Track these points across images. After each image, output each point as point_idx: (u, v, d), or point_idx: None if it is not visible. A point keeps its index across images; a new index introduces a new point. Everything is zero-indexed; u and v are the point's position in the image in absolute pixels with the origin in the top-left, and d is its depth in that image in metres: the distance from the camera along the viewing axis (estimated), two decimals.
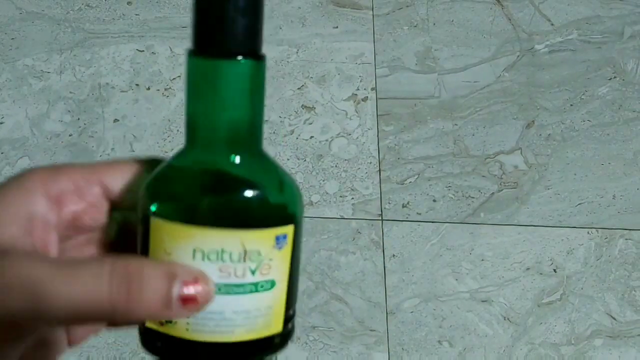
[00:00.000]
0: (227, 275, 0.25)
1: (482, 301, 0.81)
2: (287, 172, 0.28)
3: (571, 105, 0.97)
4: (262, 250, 0.26)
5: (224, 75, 0.25)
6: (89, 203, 0.27)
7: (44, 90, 0.90)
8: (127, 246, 0.27)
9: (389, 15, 1.02)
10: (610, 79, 0.99)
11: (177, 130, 0.89)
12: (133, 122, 0.89)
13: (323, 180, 0.87)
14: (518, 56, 1.00)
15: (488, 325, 0.80)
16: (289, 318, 0.28)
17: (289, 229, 0.27)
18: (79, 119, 0.88)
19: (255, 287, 0.26)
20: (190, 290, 0.24)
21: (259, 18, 0.26)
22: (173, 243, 0.25)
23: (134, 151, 0.87)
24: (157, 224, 0.25)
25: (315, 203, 0.85)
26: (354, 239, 0.83)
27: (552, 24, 1.04)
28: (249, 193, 0.26)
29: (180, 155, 0.27)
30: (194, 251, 0.25)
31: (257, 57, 0.26)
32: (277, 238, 0.26)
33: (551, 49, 1.01)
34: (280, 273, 0.27)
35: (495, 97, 0.96)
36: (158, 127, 0.89)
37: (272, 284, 0.27)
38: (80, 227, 0.27)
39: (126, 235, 0.28)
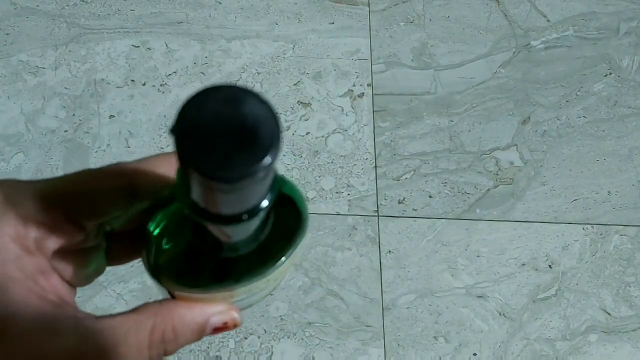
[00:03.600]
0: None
1: (478, 297, 0.82)
2: (294, 191, 0.26)
3: (567, 101, 0.97)
4: (280, 275, 0.27)
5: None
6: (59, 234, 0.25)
7: (39, 86, 0.89)
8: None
9: (385, 11, 1.02)
10: (605, 75, 1.00)
11: None
12: (129, 118, 0.88)
13: (319, 177, 0.87)
14: (514, 52, 1.00)
15: (484, 320, 0.80)
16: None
17: (282, 261, 0.26)
18: (74, 114, 0.88)
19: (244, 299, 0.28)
20: (220, 327, 0.27)
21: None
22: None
23: (129, 147, 0.86)
24: (183, 297, 0.26)
25: (312, 199, 0.85)
26: (350, 235, 0.83)
27: (548, 20, 1.04)
28: (256, 264, 0.26)
29: (176, 213, 0.26)
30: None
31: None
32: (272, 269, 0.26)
33: (547, 45, 1.02)
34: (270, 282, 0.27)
35: (491, 93, 0.96)
36: (154, 122, 0.89)
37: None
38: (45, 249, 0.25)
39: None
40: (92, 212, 0.24)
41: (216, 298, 0.26)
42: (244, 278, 0.25)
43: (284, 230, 0.24)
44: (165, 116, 0.89)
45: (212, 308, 0.26)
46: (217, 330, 0.26)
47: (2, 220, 0.22)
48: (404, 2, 1.03)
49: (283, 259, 0.25)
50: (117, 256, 0.28)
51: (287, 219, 0.25)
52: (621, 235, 0.88)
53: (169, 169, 0.25)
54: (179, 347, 0.25)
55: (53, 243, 0.23)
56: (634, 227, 0.89)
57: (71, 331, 0.22)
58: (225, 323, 0.26)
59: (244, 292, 0.26)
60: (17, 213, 0.22)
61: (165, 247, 0.24)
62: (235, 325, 0.27)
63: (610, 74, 1.00)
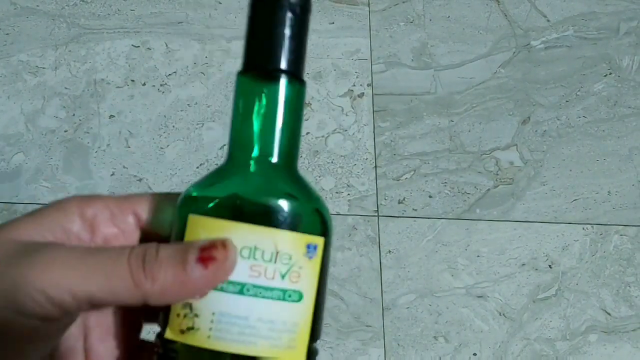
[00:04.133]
0: (257, 275, 0.26)
1: (478, 297, 0.82)
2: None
3: (567, 101, 0.97)
4: (294, 254, 0.26)
5: (267, 94, 0.28)
6: (121, 229, 0.29)
7: (39, 86, 0.89)
8: None
9: (385, 11, 1.02)
10: (605, 75, 1.00)
11: (173, 126, 0.89)
12: (129, 118, 0.88)
13: (319, 177, 0.87)
14: (514, 52, 1.00)
15: (484, 320, 0.80)
16: (312, 352, 0.28)
17: (319, 240, 0.28)
18: (74, 114, 0.88)
19: (283, 295, 0.26)
20: (208, 253, 0.25)
21: (303, 46, 0.29)
22: (207, 237, 0.26)
23: (129, 147, 0.86)
24: (193, 219, 0.26)
25: None
26: (350, 235, 0.83)
27: (548, 20, 1.04)
28: (285, 196, 0.27)
29: (220, 168, 0.29)
30: None
31: (299, 80, 0.29)
32: (308, 246, 0.27)
33: (547, 45, 1.02)
34: (308, 286, 0.27)
35: (491, 93, 0.96)
36: (154, 123, 0.89)
37: (300, 296, 0.27)
38: None
39: None
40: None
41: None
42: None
43: (317, 215, 0.28)
44: (165, 116, 0.89)
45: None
46: (203, 254, 0.24)
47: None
48: (404, 2, 1.03)
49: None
50: None
51: (319, 211, 0.28)
52: (621, 235, 0.88)
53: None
54: (161, 273, 0.24)
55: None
56: (634, 227, 0.89)
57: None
58: (213, 243, 0.25)
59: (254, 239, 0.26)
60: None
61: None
62: (227, 255, 0.25)
63: (610, 74, 1.00)
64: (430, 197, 0.88)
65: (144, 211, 0.29)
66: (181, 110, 0.90)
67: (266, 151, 0.28)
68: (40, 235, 0.26)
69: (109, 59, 0.93)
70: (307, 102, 0.93)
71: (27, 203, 0.81)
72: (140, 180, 0.84)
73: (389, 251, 0.83)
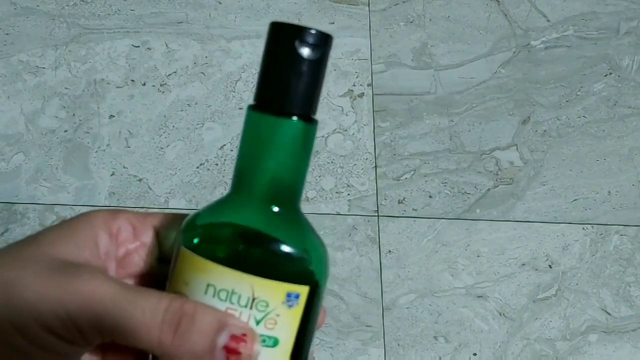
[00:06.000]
0: None
1: (478, 297, 0.82)
2: (318, 235, 0.29)
3: (567, 101, 0.97)
4: (271, 302, 0.26)
5: (277, 132, 0.27)
6: (142, 243, 0.30)
7: (39, 86, 0.89)
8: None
9: (385, 11, 1.02)
10: (605, 75, 1.00)
11: (173, 126, 0.89)
12: (129, 118, 0.88)
13: (319, 177, 0.87)
14: (514, 52, 1.00)
15: (484, 320, 0.80)
16: None
17: (303, 289, 0.27)
18: (74, 114, 0.88)
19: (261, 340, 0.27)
20: (236, 344, 0.25)
21: (319, 85, 0.28)
22: (192, 274, 0.27)
23: (129, 147, 0.86)
24: (183, 253, 0.27)
25: (312, 199, 0.85)
26: (350, 235, 0.83)
27: (548, 20, 1.04)
28: (269, 243, 0.27)
29: (222, 200, 0.29)
30: (207, 286, 0.26)
31: (310, 120, 0.28)
32: (289, 295, 0.27)
33: (547, 45, 1.02)
34: (286, 333, 0.27)
35: (491, 93, 0.96)
36: (154, 123, 0.89)
37: (275, 342, 0.27)
38: (128, 264, 0.31)
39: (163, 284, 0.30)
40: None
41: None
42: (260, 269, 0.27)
43: (306, 256, 0.28)
44: (165, 116, 0.89)
45: (233, 318, 0.26)
46: (231, 344, 0.25)
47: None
48: (404, 2, 1.03)
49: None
50: None
51: (309, 252, 0.28)
52: (621, 235, 0.88)
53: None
54: (188, 343, 0.25)
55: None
56: (634, 227, 0.89)
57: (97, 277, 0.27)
58: (244, 335, 0.25)
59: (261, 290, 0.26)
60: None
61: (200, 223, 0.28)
62: (250, 354, 0.25)
63: (610, 74, 1.00)
64: (430, 197, 0.88)
65: (164, 229, 0.31)
66: (181, 110, 0.90)
67: (267, 190, 0.28)
68: (76, 253, 0.27)
69: (109, 59, 0.93)
70: None
71: (27, 203, 0.81)
72: (140, 180, 0.84)
73: (389, 251, 0.83)
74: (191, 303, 0.25)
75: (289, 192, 0.28)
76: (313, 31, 0.27)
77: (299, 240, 0.28)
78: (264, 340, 0.26)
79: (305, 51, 0.27)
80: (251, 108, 0.28)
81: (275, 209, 0.28)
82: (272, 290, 0.26)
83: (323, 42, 0.28)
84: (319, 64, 0.27)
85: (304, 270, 0.28)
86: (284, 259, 0.27)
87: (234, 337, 0.25)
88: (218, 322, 0.25)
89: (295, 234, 0.28)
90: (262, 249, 0.27)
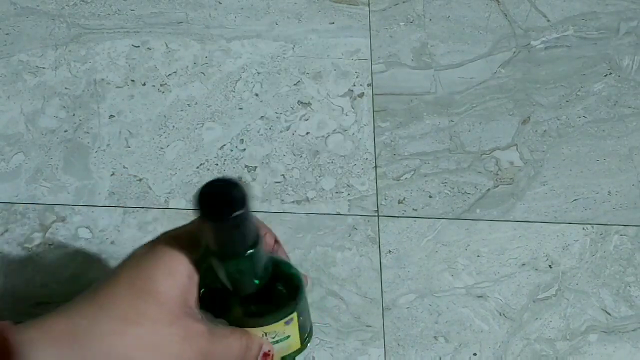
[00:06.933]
0: None
1: (478, 297, 0.82)
2: (291, 269, 0.46)
3: (567, 101, 0.97)
4: (277, 330, 0.46)
5: (237, 269, 0.41)
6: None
7: (39, 86, 0.89)
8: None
9: (385, 11, 1.02)
10: (605, 75, 1.00)
11: (173, 126, 0.89)
12: (129, 118, 0.89)
13: (319, 177, 0.87)
14: (514, 52, 1.00)
15: (484, 320, 0.80)
16: (304, 338, 0.51)
17: (293, 315, 0.46)
18: (74, 114, 0.88)
19: (276, 341, 0.47)
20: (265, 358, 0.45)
21: (252, 229, 0.39)
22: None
23: (129, 147, 0.86)
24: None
25: (311, 199, 0.85)
26: (350, 235, 0.83)
27: (548, 20, 1.04)
28: (268, 311, 0.45)
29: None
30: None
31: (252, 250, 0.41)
32: (287, 322, 0.46)
33: (547, 45, 1.02)
34: (292, 331, 0.47)
35: (491, 93, 0.96)
36: (154, 122, 0.89)
37: (287, 337, 0.48)
38: None
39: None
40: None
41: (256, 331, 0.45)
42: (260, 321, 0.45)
43: (286, 291, 0.45)
44: (165, 116, 0.89)
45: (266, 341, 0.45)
46: (264, 355, 0.44)
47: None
48: (404, 2, 1.03)
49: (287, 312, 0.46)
50: None
51: (287, 287, 0.45)
52: (621, 235, 0.88)
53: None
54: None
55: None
56: (634, 227, 0.89)
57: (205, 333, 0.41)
58: (269, 351, 0.45)
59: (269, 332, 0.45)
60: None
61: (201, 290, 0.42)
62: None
63: (610, 74, 1.00)
64: (430, 197, 0.88)
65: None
66: (181, 110, 0.90)
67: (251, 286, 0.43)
68: (179, 278, 0.40)
69: (109, 59, 0.93)
70: (307, 102, 0.93)
71: (27, 203, 0.81)
72: (140, 180, 0.84)
73: (389, 251, 0.83)
74: (250, 334, 0.45)
75: (264, 278, 0.44)
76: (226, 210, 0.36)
77: (283, 296, 0.45)
78: (279, 340, 0.47)
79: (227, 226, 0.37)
80: (215, 258, 0.40)
81: (260, 287, 0.43)
82: (275, 326, 0.46)
83: (240, 205, 0.36)
84: (245, 221, 0.37)
85: (289, 309, 0.46)
86: (276, 314, 0.45)
87: (264, 354, 0.45)
88: (260, 344, 0.45)
89: (280, 297, 0.45)
90: (264, 314, 0.45)
